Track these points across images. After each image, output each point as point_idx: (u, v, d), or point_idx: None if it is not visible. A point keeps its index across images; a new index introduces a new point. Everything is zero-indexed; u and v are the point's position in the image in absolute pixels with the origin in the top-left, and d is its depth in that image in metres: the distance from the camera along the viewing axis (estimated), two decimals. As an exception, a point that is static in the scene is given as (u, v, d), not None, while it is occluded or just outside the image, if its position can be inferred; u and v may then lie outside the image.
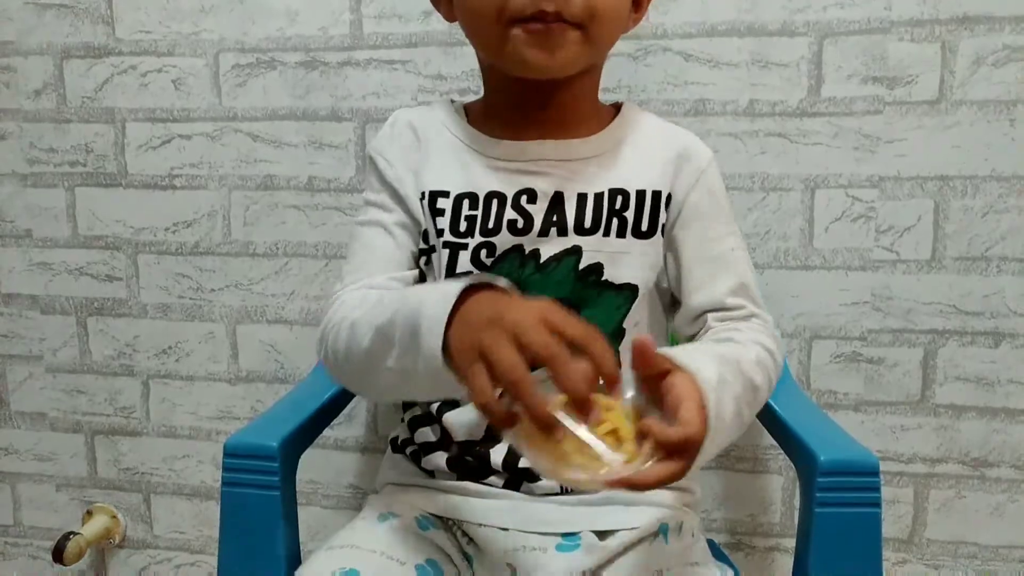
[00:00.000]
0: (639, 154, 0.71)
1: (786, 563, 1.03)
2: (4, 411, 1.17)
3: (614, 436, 0.49)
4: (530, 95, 0.69)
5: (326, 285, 1.07)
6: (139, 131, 1.08)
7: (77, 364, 1.15)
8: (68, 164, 1.11)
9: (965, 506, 0.99)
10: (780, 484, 1.03)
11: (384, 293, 0.65)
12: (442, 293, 0.53)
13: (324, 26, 1.02)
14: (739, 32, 0.95)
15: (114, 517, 1.16)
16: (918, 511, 1.01)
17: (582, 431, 0.48)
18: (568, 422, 0.48)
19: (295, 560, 0.73)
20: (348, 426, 1.10)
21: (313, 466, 1.10)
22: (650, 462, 0.49)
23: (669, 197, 0.70)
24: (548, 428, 0.47)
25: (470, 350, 0.49)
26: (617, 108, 0.75)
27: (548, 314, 0.49)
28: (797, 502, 1.02)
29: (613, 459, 0.48)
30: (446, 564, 0.67)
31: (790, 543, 1.02)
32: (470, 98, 0.78)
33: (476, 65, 0.98)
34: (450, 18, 0.73)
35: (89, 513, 1.16)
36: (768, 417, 0.82)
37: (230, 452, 0.71)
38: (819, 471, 0.67)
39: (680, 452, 0.50)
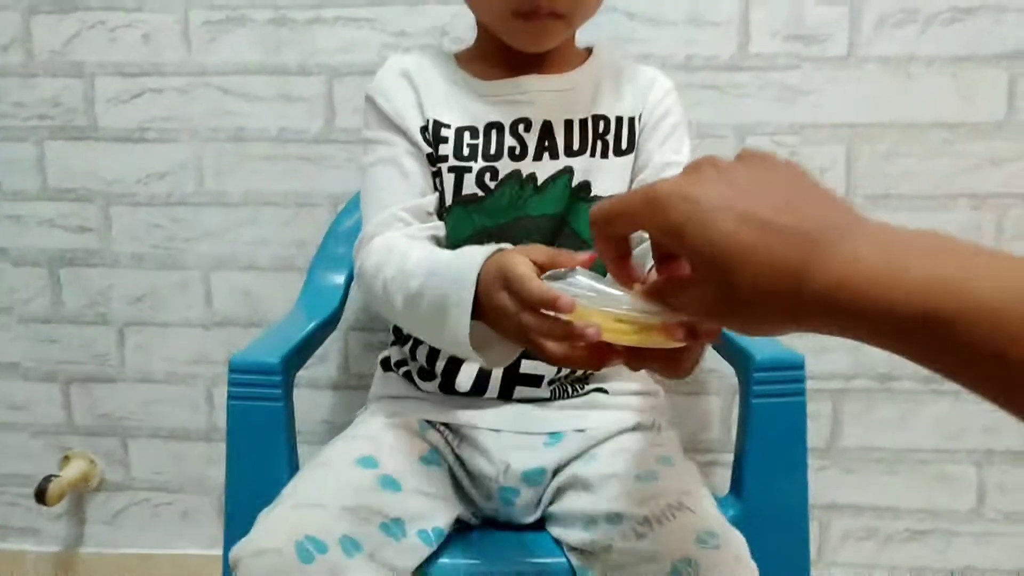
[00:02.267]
0: (615, 86, 0.81)
1: (724, 474, 1.15)
2: (-24, 362, 1.20)
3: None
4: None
5: (297, 232, 1.13)
6: (109, 85, 1.12)
7: (50, 314, 1.18)
8: (36, 118, 1.13)
9: (875, 416, 1.14)
10: (718, 404, 1.15)
11: (407, 254, 0.69)
12: (465, 268, 0.60)
13: (291, -16, 1.08)
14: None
15: (91, 461, 1.20)
16: (835, 423, 1.14)
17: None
18: (606, 289, 0.49)
19: (296, 470, 0.79)
20: (321, 365, 1.16)
21: (288, 403, 1.16)
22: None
23: (640, 116, 0.80)
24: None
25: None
26: (590, 51, 0.84)
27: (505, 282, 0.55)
28: (733, 420, 1.15)
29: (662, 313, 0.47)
30: (443, 461, 0.76)
31: (727, 457, 1.14)
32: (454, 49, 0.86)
33: (438, 23, 1.07)
34: None
35: (66, 459, 1.19)
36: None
37: (235, 368, 0.77)
38: (755, 367, 0.79)
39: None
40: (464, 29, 1.06)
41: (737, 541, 0.63)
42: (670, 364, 0.50)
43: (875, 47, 1.05)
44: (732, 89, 1.07)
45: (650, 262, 0.50)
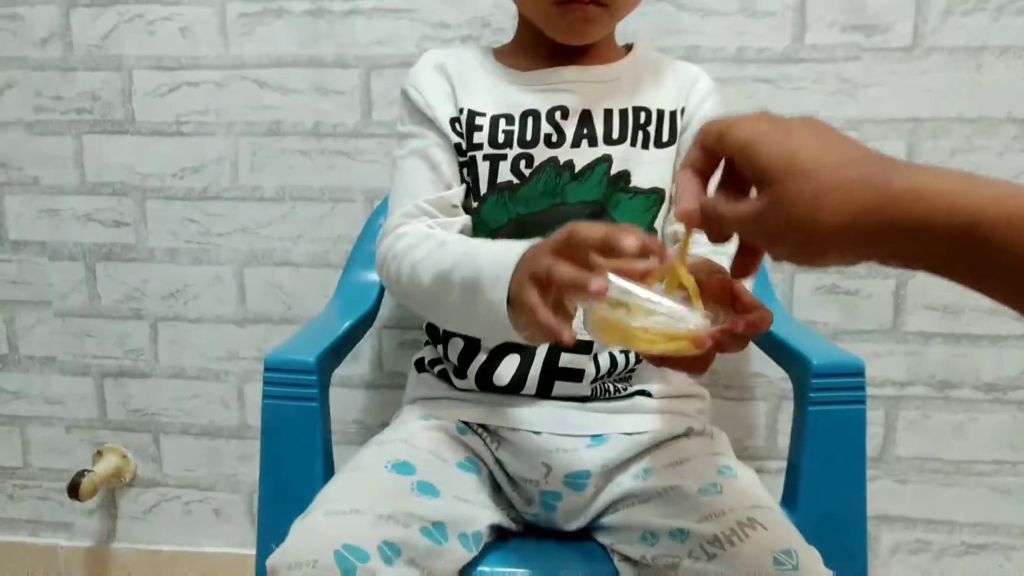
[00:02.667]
0: (656, 80, 0.79)
1: (770, 483, 1.09)
2: (14, 356, 1.20)
3: (680, 293, 0.49)
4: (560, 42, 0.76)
5: (332, 228, 1.11)
6: (146, 79, 1.11)
7: (87, 308, 1.17)
8: (75, 112, 1.12)
9: (930, 425, 1.08)
10: (764, 410, 1.11)
11: (444, 239, 0.69)
12: (503, 251, 0.58)
13: (330, -25, 1.06)
14: (728, -18, 1.01)
15: (124, 457, 1.19)
16: (888, 431, 1.09)
17: (647, 294, 0.48)
18: (637, 292, 0.48)
19: (331, 471, 0.78)
20: (353, 364, 1.14)
21: (322, 402, 1.15)
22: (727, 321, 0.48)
23: (683, 110, 0.78)
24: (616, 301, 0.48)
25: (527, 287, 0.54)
26: (629, 48, 0.82)
27: (564, 236, 0.53)
28: (780, 426, 1.10)
29: (694, 318, 0.47)
30: (481, 466, 0.73)
31: (774, 464, 1.10)
32: (495, 44, 0.84)
33: (478, 14, 1.05)
34: None
35: (99, 453, 1.19)
36: (764, 335, 0.89)
37: (271, 367, 0.75)
38: (812, 373, 0.75)
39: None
40: (506, 20, 1.03)
41: (814, 559, 0.59)
42: (688, 364, 0.52)
43: (943, 36, 0.99)
44: (786, 83, 1.02)
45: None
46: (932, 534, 1.10)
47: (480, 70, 0.79)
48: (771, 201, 0.42)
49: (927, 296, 1.05)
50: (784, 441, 1.10)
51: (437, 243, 0.68)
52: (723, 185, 0.48)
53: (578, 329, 0.52)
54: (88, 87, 1.12)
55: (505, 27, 1.03)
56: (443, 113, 0.76)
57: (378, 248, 0.75)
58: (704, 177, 0.49)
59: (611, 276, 0.48)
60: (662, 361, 0.54)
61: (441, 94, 0.77)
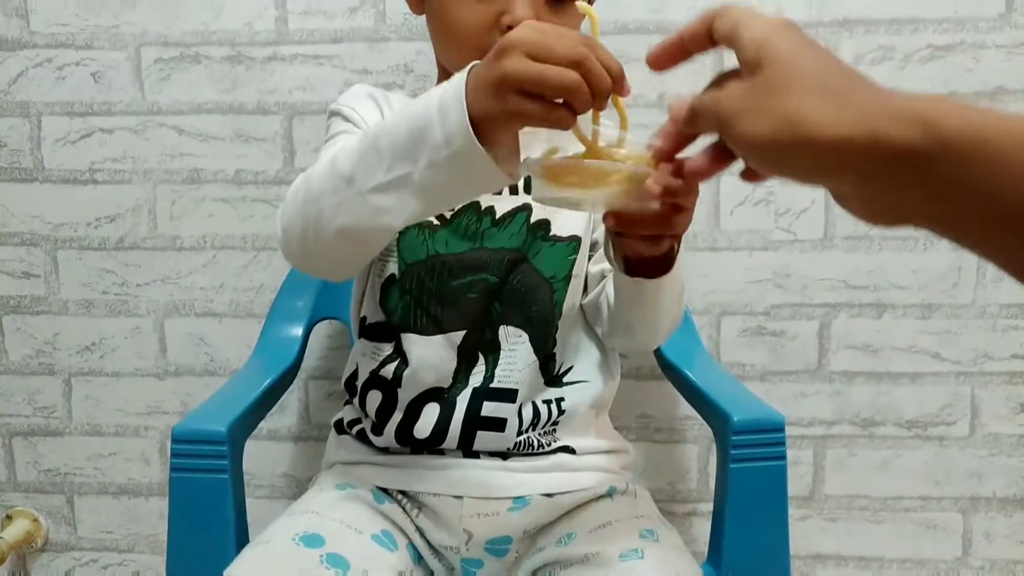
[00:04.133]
0: None
1: (704, 526, 1.11)
2: (-87, 416, 1.13)
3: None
4: None
5: (255, 277, 1.08)
6: (56, 125, 1.07)
7: (-7, 364, 1.12)
8: (-21, 159, 1.08)
9: (857, 463, 1.10)
10: (696, 453, 1.11)
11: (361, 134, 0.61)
12: (448, 83, 0.53)
13: (249, 21, 1.04)
14: (647, 30, 1.02)
15: (35, 520, 1.13)
16: (817, 470, 1.10)
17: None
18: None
19: (245, 540, 0.75)
20: (280, 415, 1.11)
21: (246, 456, 1.10)
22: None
23: None
24: (619, 79, 0.50)
25: (495, 86, 0.49)
26: None
27: (540, 26, 0.50)
28: (711, 469, 1.10)
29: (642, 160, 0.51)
30: (399, 536, 0.71)
31: (706, 507, 1.10)
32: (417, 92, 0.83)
33: (400, 61, 1.04)
34: (417, 10, 0.78)
35: (8, 518, 1.13)
36: (686, 386, 0.90)
37: (178, 438, 0.72)
38: (732, 430, 0.75)
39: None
40: (429, 66, 1.02)
41: None
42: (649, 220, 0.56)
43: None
44: (706, 128, 1.03)
45: None
46: (863, 571, 1.12)
47: None
48: (753, 83, 0.40)
49: (849, 336, 1.07)
50: (716, 483, 1.10)
51: (354, 139, 0.59)
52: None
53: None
54: (-6, 134, 1.07)
55: (428, 73, 1.02)
56: None
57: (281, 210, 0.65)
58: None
59: None
60: (620, 221, 0.58)
61: (373, 118, 0.75)
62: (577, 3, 0.54)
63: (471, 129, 0.50)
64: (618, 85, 0.51)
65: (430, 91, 0.54)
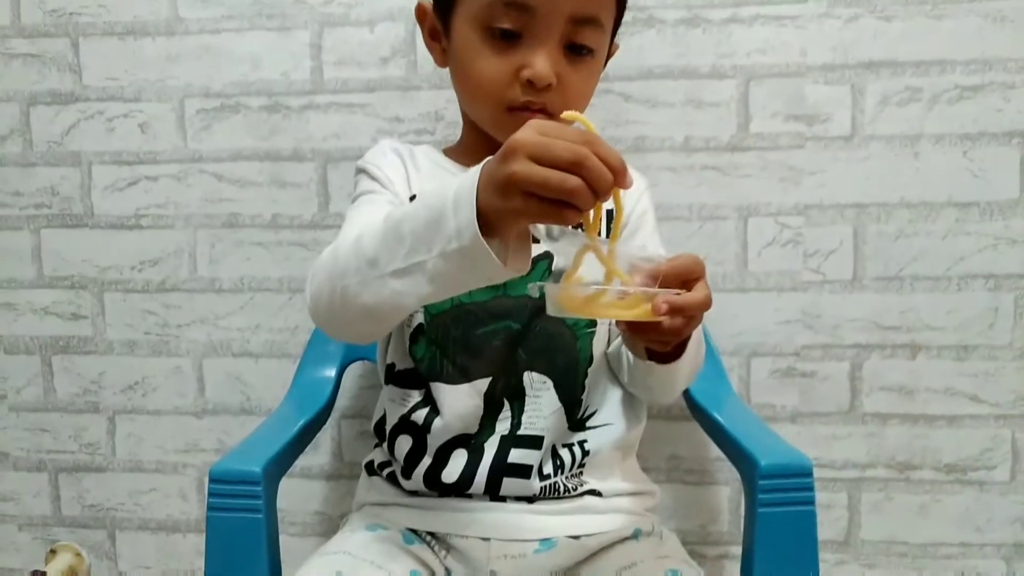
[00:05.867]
0: None
1: (735, 569, 1.09)
2: (-34, 452, 1.18)
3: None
4: None
5: (290, 318, 1.11)
6: (105, 173, 1.12)
7: (41, 402, 1.16)
8: (33, 207, 1.13)
9: (894, 507, 1.07)
10: (727, 494, 1.10)
11: (385, 214, 0.64)
12: (463, 177, 0.56)
13: (286, 71, 1.08)
14: (673, 75, 1.03)
15: (78, 555, 1.16)
16: (852, 513, 1.08)
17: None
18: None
19: (278, 577, 0.76)
20: (314, 454, 1.13)
21: (280, 494, 1.12)
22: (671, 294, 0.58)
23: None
24: (620, 173, 0.52)
25: (503, 186, 0.52)
26: None
27: (543, 126, 0.52)
28: (743, 511, 1.09)
29: (643, 294, 0.58)
30: None
31: (738, 550, 1.08)
32: (443, 145, 0.87)
33: (431, 109, 1.07)
34: (441, 64, 0.81)
35: (52, 552, 1.16)
36: (714, 429, 0.89)
37: (216, 478, 0.74)
38: (760, 475, 0.74)
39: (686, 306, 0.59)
40: (458, 114, 1.04)
41: None
42: (656, 329, 0.60)
43: (879, 126, 1.02)
44: (733, 170, 1.04)
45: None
46: (902, 618, 1.09)
47: (432, 164, 0.82)
48: None
49: (882, 378, 1.05)
50: (748, 526, 1.09)
51: (379, 218, 0.62)
52: None
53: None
54: (47, 182, 1.13)
55: (458, 120, 1.04)
56: (400, 190, 0.78)
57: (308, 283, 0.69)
58: None
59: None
60: (631, 328, 0.63)
61: (397, 175, 0.79)
62: (565, 114, 0.56)
63: (478, 226, 0.53)
64: (619, 179, 0.52)
65: (450, 181, 0.57)
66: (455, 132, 0.93)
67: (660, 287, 0.59)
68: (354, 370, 1.07)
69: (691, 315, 0.60)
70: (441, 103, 1.06)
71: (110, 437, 1.16)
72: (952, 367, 1.04)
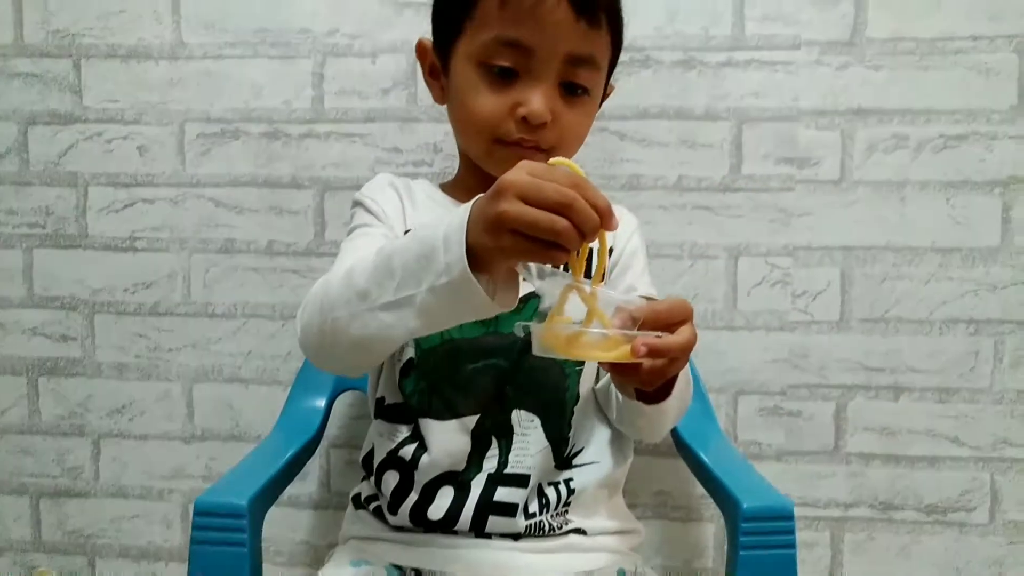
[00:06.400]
0: None
1: (719, 605, 1.10)
2: (-54, 473, 1.16)
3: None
4: None
5: (282, 345, 1.11)
6: (101, 195, 1.12)
7: (25, 425, 1.15)
8: (27, 226, 1.13)
9: (876, 547, 1.09)
10: (712, 531, 1.11)
11: (378, 248, 0.65)
12: (454, 214, 0.57)
13: (287, 100, 1.09)
14: (668, 115, 1.06)
15: (57, 580, 1.14)
16: (835, 552, 1.09)
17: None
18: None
19: (261, 610, 0.76)
20: (301, 483, 1.12)
21: (266, 522, 1.12)
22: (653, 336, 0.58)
23: (611, 250, 0.81)
24: (606, 216, 0.53)
25: (492, 225, 0.53)
26: None
27: (533, 168, 0.54)
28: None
29: (624, 336, 0.58)
30: None
31: (722, 586, 1.09)
32: (439, 180, 0.89)
33: (430, 140, 1.08)
34: (440, 101, 0.83)
35: (31, 577, 1.14)
36: (699, 468, 0.90)
37: (200, 511, 0.73)
38: (742, 517, 0.75)
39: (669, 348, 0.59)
40: (455, 147, 1.06)
41: None
42: (636, 371, 0.60)
43: (867, 171, 1.04)
44: (724, 210, 1.06)
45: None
46: (884, 658, 1.09)
47: (427, 199, 0.83)
48: None
49: (866, 418, 1.07)
50: (733, 562, 1.09)
51: (371, 251, 0.64)
52: None
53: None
54: (42, 202, 1.12)
55: (455, 152, 1.06)
56: (396, 224, 0.79)
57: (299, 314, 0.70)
58: None
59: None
60: (614, 369, 0.63)
61: (394, 209, 0.80)
62: (553, 160, 0.57)
63: (467, 263, 0.54)
64: (605, 221, 0.53)
65: (441, 218, 0.58)
66: (453, 164, 0.94)
67: (644, 329, 0.59)
68: (344, 399, 1.07)
69: (672, 357, 0.59)
70: (440, 135, 1.07)
71: (94, 461, 1.15)
72: (934, 409, 1.06)
